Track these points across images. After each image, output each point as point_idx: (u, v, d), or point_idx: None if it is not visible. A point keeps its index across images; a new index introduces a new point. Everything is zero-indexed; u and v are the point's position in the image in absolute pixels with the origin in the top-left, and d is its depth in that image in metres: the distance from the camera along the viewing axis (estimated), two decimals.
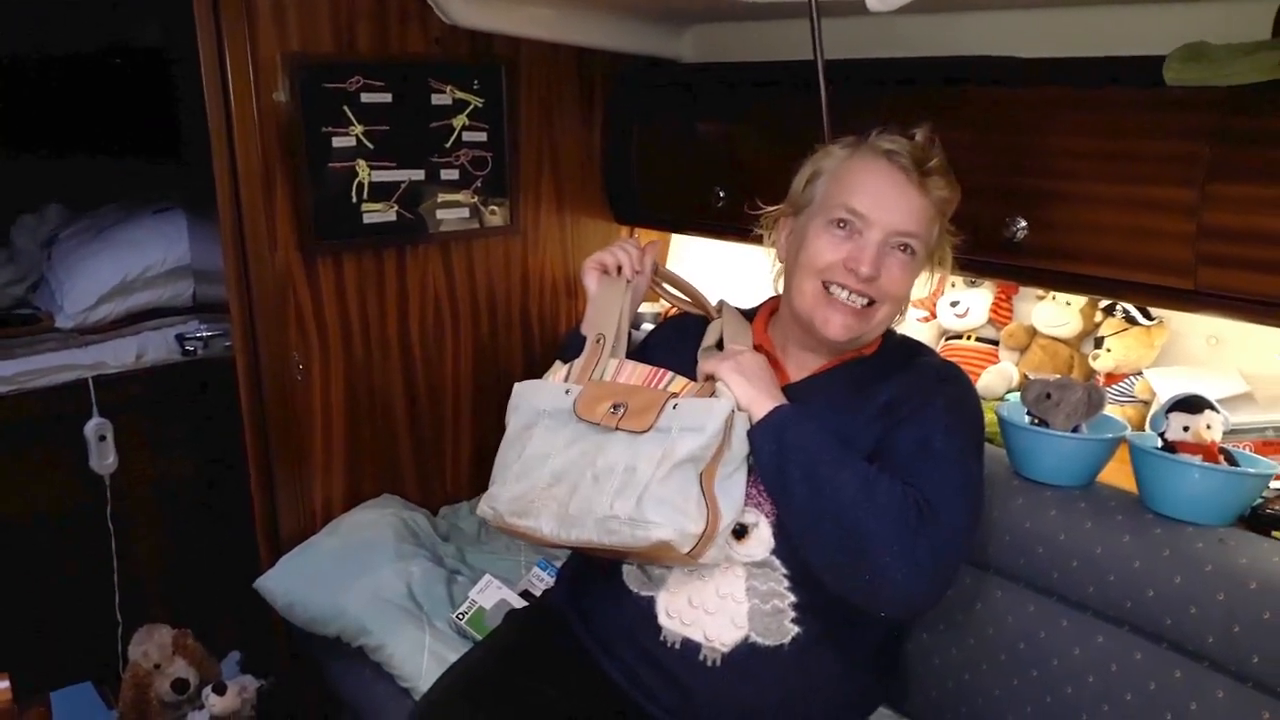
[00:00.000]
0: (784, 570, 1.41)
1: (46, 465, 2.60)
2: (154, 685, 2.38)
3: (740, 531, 1.41)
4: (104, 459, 2.65)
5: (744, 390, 1.40)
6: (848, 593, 1.37)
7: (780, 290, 1.56)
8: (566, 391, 1.48)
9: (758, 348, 1.55)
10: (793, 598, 1.41)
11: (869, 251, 1.40)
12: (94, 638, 2.69)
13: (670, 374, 1.47)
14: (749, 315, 1.63)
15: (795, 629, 1.41)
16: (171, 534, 2.82)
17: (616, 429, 1.40)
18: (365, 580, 2.00)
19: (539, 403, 1.51)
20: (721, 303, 1.64)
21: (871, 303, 1.43)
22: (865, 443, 1.41)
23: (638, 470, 1.35)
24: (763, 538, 1.41)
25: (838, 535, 1.32)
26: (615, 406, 1.42)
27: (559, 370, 1.55)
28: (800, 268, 1.46)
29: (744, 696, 1.41)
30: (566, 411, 1.46)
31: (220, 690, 2.24)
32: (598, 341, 1.53)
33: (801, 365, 1.53)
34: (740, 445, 1.38)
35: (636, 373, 1.48)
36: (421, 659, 1.85)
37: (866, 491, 1.32)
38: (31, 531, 2.59)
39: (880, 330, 1.49)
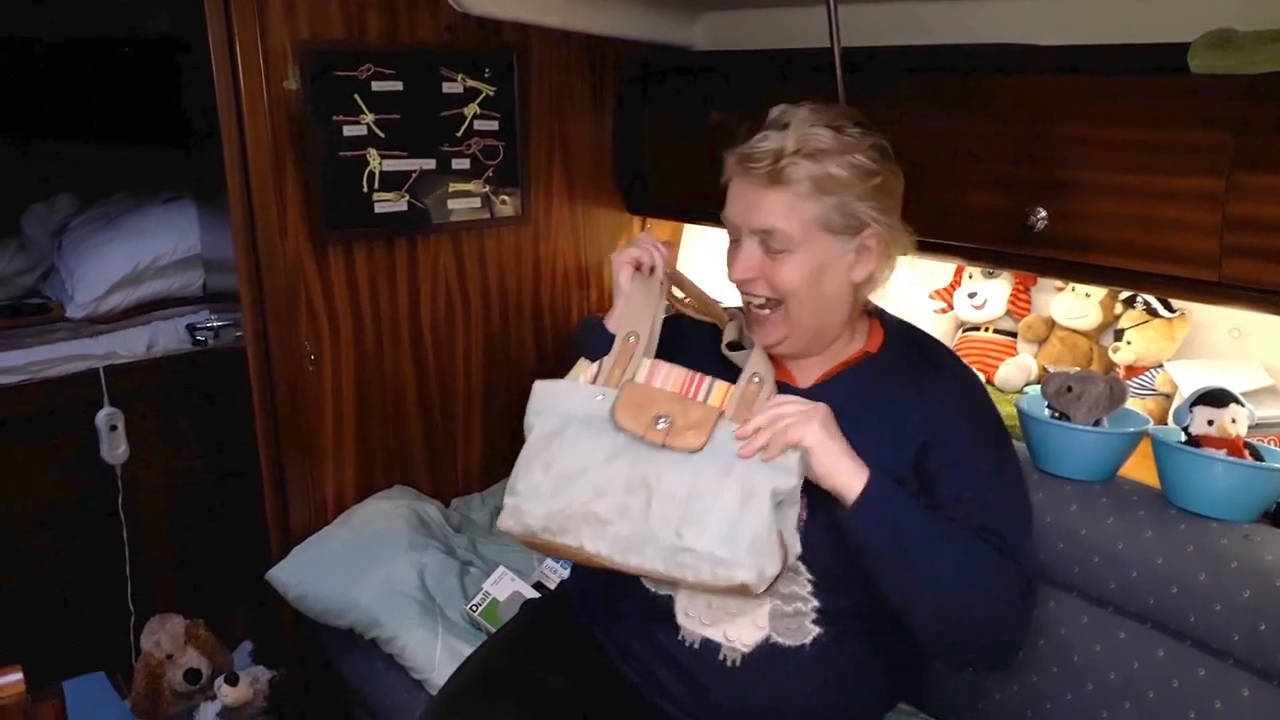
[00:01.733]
0: (809, 575, 1.39)
1: (58, 455, 2.61)
2: (166, 675, 2.38)
3: None
4: (115, 449, 2.65)
5: (831, 458, 1.30)
6: (947, 653, 1.43)
7: None
8: (600, 396, 1.37)
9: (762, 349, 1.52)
10: (815, 601, 1.39)
11: (737, 257, 1.41)
12: (106, 628, 2.70)
13: (708, 379, 1.38)
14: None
15: (816, 629, 1.39)
16: (183, 524, 2.82)
17: (664, 445, 1.31)
18: (377, 572, 2.00)
19: (568, 408, 1.38)
20: (734, 310, 1.53)
21: (776, 302, 1.41)
22: (888, 461, 1.36)
23: (705, 498, 1.28)
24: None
25: (937, 613, 1.33)
26: (659, 418, 1.32)
27: (586, 369, 1.43)
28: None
29: (763, 696, 1.40)
30: (602, 419, 1.35)
31: (232, 681, 2.25)
32: (630, 340, 1.42)
33: (806, 371, 1.49)
34: (801, 481, 1.31)
35: (672, 376, 1.38)
36: (434, 651, 1.84)
37: (967, 572, 1.31)
38: (43, 522, 2.60)
39: (810, 325, 1.43)
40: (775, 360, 1.48)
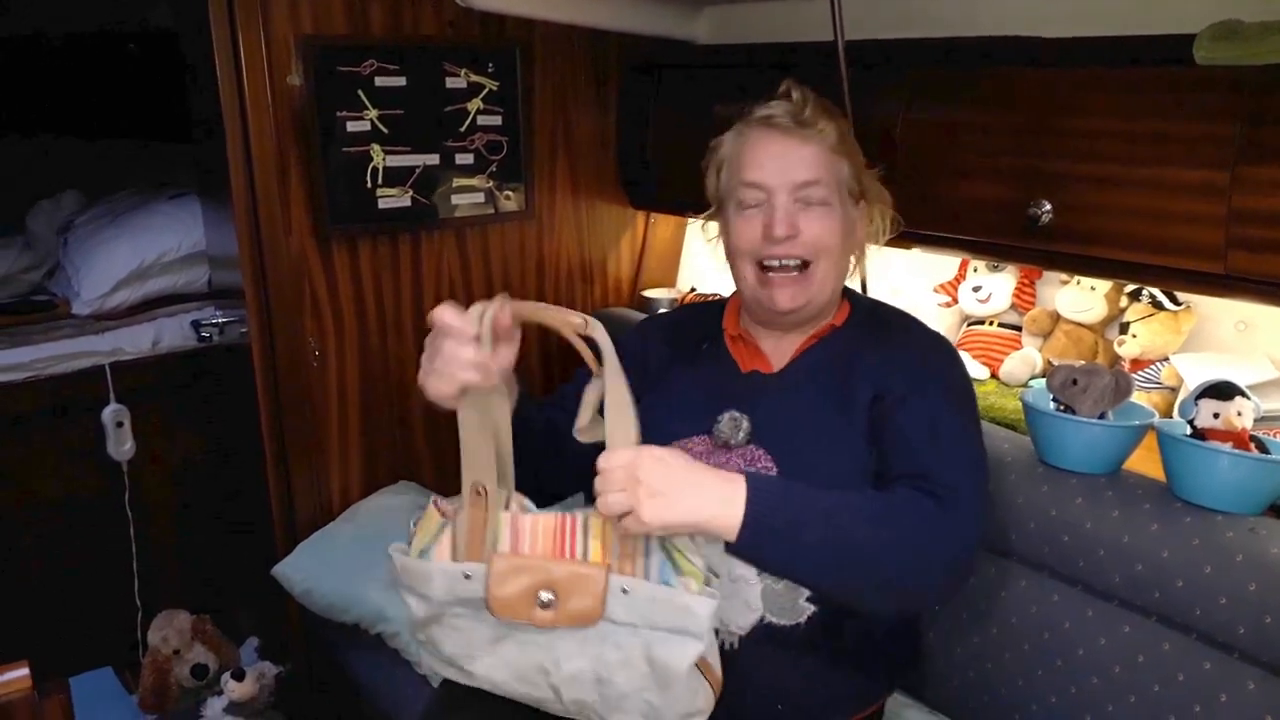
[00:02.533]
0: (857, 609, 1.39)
1: (64, 452, 2.62)
2: (173, 671, 2.39)
3: None
4: (121, 445, 2.66)
5: (685, 512, 1.17)
6: (882, 610, 1.38)
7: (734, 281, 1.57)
8: (466, 576, 1.19)
9: (734, 338, 1.54)
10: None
11: (778, 213, 1.41)
12: (114, 624, 2.71)
13: (579, 520, 1.19)
14: (719, 306, 1.61)
15: (810, 608, 1.39)
16: (189, 520, 2.83)
17: (554, 627, 1.17)
18: (382, 567, 1.98)
19: (436, 592, 1.22)
20: (592, 328, 1.17)
21: (806, 264, 1.42)
22: (861, 420, 1.39)
23: (616, 683, 1.18)
24: None
25: (868, 577, 1.29)
26: (539, 596, 1.16)
27: (442, 537, 1.23)
28: (735, 255, 1.48)
29: (763, 678, 1.40)
30: (478, 601, 1.19)
31: (239, 676, 2.25)
32: (478, 494, 1.21)
33: (778, 351, 1.51)
34: (712, 628, 1.20)
35: (540, 532, 1.19)
36: None
37: (877, 523, 1.28)
38: (50, 518, 2.61)
39: (828, 290, 1.45)
40: (749, 346, 1.52)
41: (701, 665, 1.22)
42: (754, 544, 1.23)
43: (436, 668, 1.34)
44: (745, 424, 1.43)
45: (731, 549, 1.24)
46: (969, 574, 1.36)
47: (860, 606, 1.36)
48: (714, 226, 1.60)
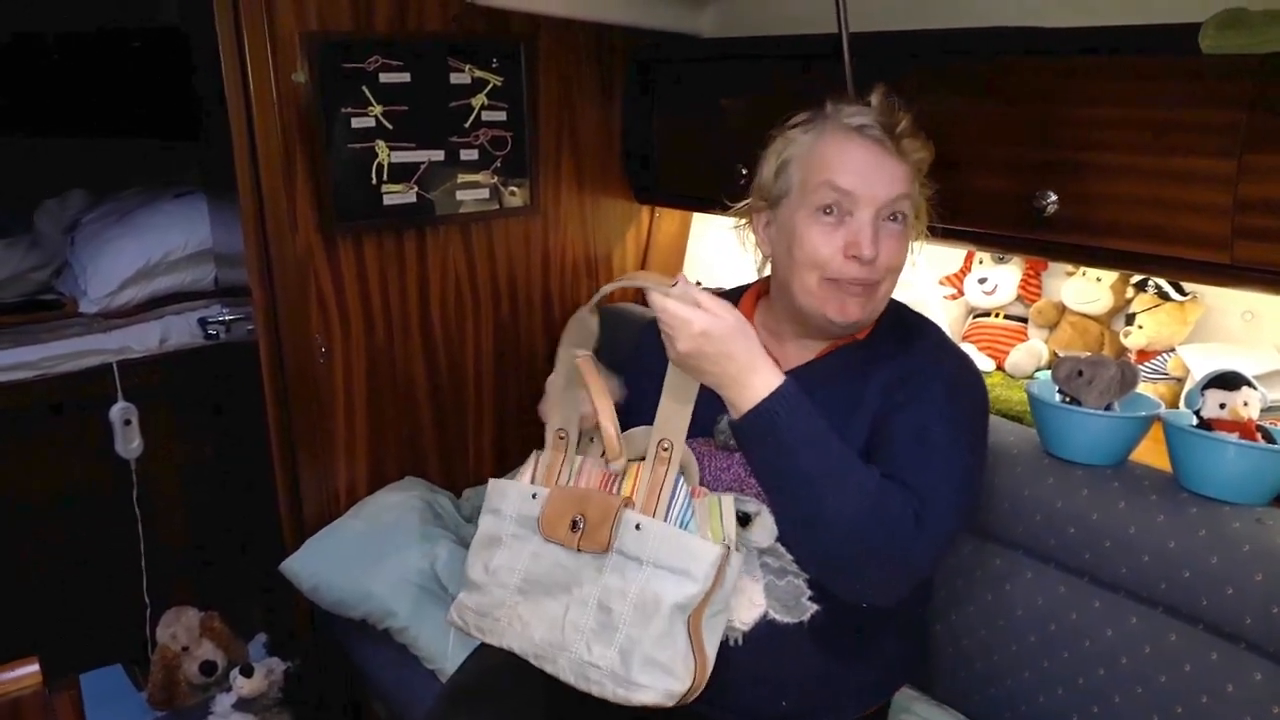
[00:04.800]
0: (791, 555, 1.40)
1: (73, 450, 2.63)
2: (182, 667, 2.40)
3: (744, 519, 1.39)
4: (129, 443, 2.67)
5: (699, 371, 1.30)
6: (822, 580, 1.38)
7: (763, 276, 1.56)
8: (534, 495, 1.42)
9: None
10: (807, 575, 1.40)
11: (865, 233, 1.36)
12: (123, 620, 2.72)
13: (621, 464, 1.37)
14: (735, 295, 1.60)
15: (814, 606, 1.39)
16: (197, 517, 2.84)
17: (579, 550, 1.33)
18: (390, 563, 2.00)
19: (508, 507, 1.45)
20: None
21: (875, 282, 1.41)
22: (862, 430, 1.39)
23: (612, 610, 1.30)
24: (766, 525, 1.39)
25: (835, 544, 1.30)
26: (575, 523, 1.34)
27: (528, 464, 1.47)
28: (797, 263, 1.42)
29: (767, 675, 1.40)
30: (532, 521, 1.40)
31: (247, 672, 2.26)
32: (560, 437, 1.45)
33: (797, 352, 1.51)
34: (731, 582, 1.31)
35: (595, 474, 1.40)
36: (447, 641, 1.85)
37: (872, 504, 1.28)
38: (59, 516, 2.62)
39: (884, 304, 1.46)
40: (767, 342, 1.49)
41: (692, 629, 1.27)
42: (749, 433, 1.30)
43: (468, 603, 1.45)
44: None
45: (732, 424, 1.32)
46: (915, 582, 1.39)
47: (799, 554, 1.38)
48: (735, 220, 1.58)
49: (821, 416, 1.32)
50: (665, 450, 1.33)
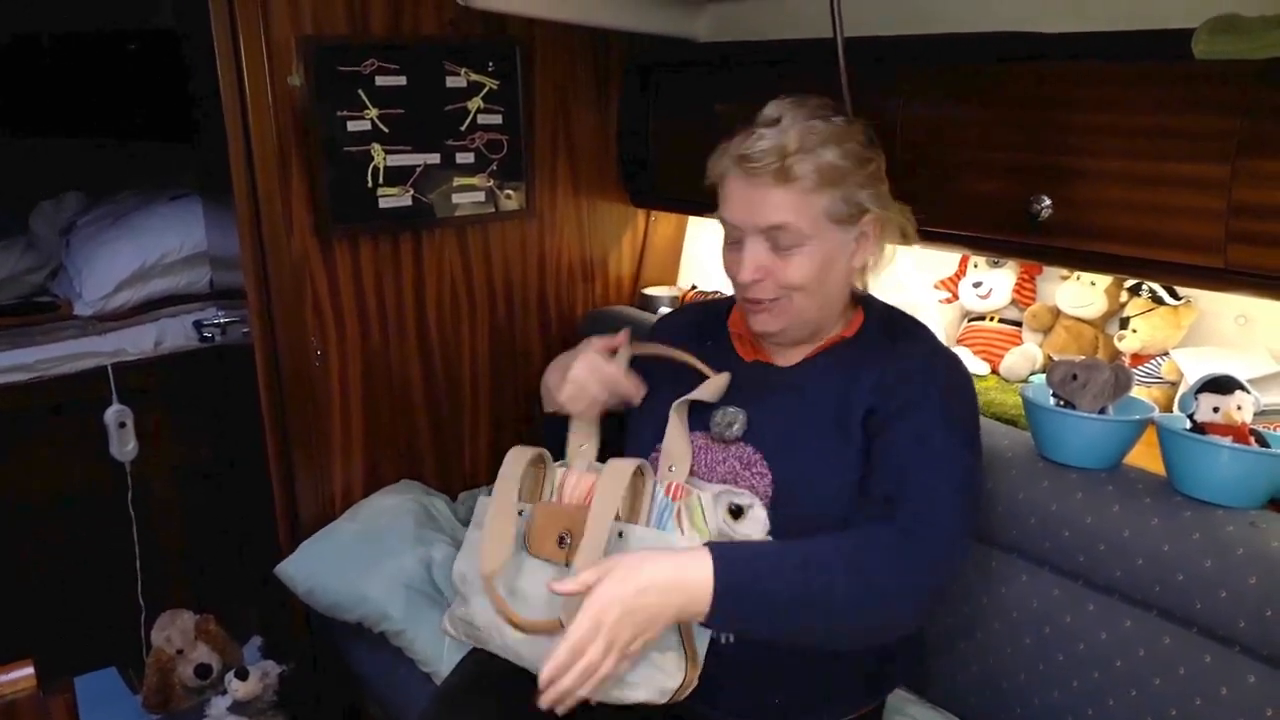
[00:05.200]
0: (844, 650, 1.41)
1: (67, 452, 2.62)
2: (177, 670, 2.40)
3: (737, 512, 1.39)
4: (124, 446, 2.67)
5: (657, 622, 1.22)
6: (886, 638, 1.40)
7: None
8: (520, 513, 1.41)
9: (738, 336, 1.55)
10: None
11: (745, 257, 1.40)
12: (117, 623, 2.72)
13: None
14: (726, 306, 1.61)
15: None
16: (192, 520, 2.84)
17: (567, 564, 1.33)
18: (386, 565, 2.00)
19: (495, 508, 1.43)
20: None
21: (778, 298, 1.41)
22: (854, 425, 1.39)
23: None
24: (758, 518, 1.39)
25: (845, 623, 1.29)
26: (561, 539, 1.35)
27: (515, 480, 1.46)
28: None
29: (759, 672, 1.41)
30: (519, 538, 1.40)
31: (242, 675, 2.26)
32: (540, 460, 1.46)
33: (786, 355, 1.51)
34: None
35: (581, 485, 1.40)
36: (442, 644, 1.85)
37: (847, 570, 1.26)
38: (54, 518, 2.62)
39: (811, 314, 1.44)
40: (754, 346, 1.52)
41: (682, 625, 1.27)
42: (726, 616, 1.24)
43: (458, 614, 1.46)
44: (741, 418, 1.44)
45: (710, 625, 1.26)
46: (944, 595, 1.39)
47: (845, 648, 1.39)
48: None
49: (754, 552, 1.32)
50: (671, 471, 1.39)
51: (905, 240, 1.49)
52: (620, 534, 1.32)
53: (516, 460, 1.43)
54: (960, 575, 1.61)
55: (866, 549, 1.29)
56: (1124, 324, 1.87)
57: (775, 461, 1.41)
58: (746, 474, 1.42)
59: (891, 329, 1.50)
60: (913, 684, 1.69)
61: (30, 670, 1.18)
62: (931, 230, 1.71)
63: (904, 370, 1.41)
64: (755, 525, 1.38)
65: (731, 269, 1.44)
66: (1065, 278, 1.98)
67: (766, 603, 1.24)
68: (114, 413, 2.64)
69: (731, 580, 1.22)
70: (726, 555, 1.24)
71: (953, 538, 1.33)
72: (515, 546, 1.39)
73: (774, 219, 1.37)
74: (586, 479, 1.41)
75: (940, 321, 2.13)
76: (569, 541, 1.34)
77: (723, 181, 1.43)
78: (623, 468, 1.33)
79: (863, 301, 1.53)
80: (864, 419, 1.39)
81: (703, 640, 1.31)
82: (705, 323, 1.62)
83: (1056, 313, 2.00)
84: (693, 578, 1.21)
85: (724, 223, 1.44)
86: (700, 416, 1.47)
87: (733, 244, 1.44)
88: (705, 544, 1.27)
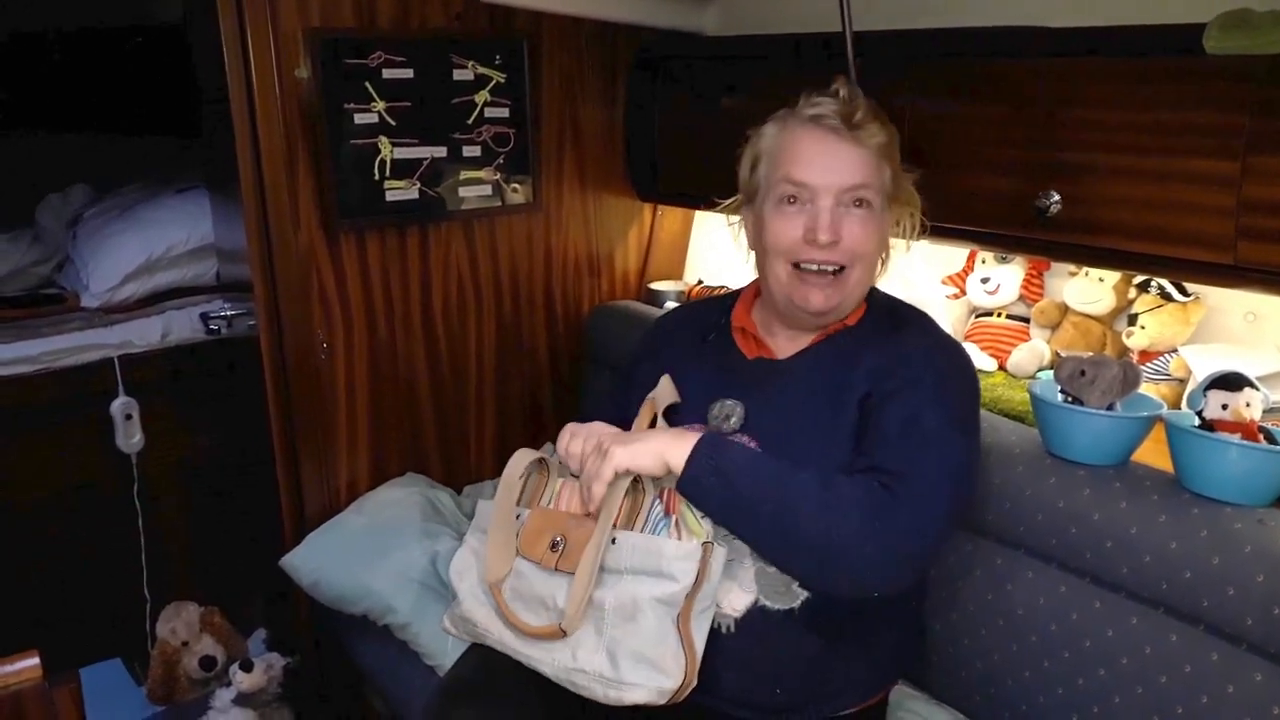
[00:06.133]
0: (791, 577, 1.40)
1: (74, 444, 2.63)
2: (182, 662, 2.40)
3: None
4: (130, 438, 2.67)
5: (647, 449, 1.35)
6: (823, 589, 1.38)
7: (758, 275, 1.58)
8: (518, 516, 1.44)
9: (739, 330, 1.56)
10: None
11: (823, 218, 1.40)
12: (123, 615, 2.73)
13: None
14: (733, 298, 1.62)
15: (804, 593, 1.40)
16: (198, 512, 2.84)
17: (556, 569, 1.36)
18: (391, 559, 2.00)
19: (496, 516, 1.47)
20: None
21: (842, 269, 1.43)
22: (850, 411, 1.40)
23: (596, 619, 1.34)
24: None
25: (807, 546, 1.31)
26: (554, 543, 1.38)
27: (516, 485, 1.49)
28: (768, 253, 1.47)
29: (760, 663, 1.41)
30: (514, 541, 1.43)
31: (247, 667, 2.26)
32: (543, 464, 1.49)
33: (788, 343, 1.53)
34: (716, 575, 1.34)
35: (577, 495, 1.41)
36: (447, 637, 1.85)
37: (825, 498, 1.30)
38: (60, 510, 2.62)
39: (859, 293, 1.48)
40: (755, 336, 1.54)
41: (681, 626, 1.30)
42: (696, 477, 1.31)
43: (458, 612, 1.48)
44: (739, 411, 1.46)
45: (679, 484, 1.33)
46: (919, 566, 1.40)
47: (801, 576, 1.38)
48: (726, 216, 1.60)
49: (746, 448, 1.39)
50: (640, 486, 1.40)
51: (910, 234, 1.52)
52: (614, 540, 1.34)
53: (518, 464, 1.45)
54: (965, 570, 1.62)
55: (850, 487, 1.32)
56: (1132, 320, 1.86)
57: (769, 448, 1.43)
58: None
59: (895, 318, 1.52)
60: (917, 679, 1.69)
61: (36, 661, 1.18)
62: (939, 225, 1.70)
63: (903, 356, 1.43)
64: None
65: (790, 234, 1.43)
66: (1073, 274, 1.98)
67: (730, 484, 1.32)
68: (120, 405, 2.64)
69: (712, 440, 1.34)
70: (711, 439, 1.35)
71: (932, 511, 1.33)
72: (513, 551, 1.42)
73: (856, 178, 1.40)
74: (578, 495, 1.43)
75: (948, 317, 2.13)
76: (562, 547, 1.36)
77: (789, 144, 1.43)
78: (621, 483, 1.35)
79: (867, 294, 1.54)
80: (861, 402, 1.41)
81: (700, 640, 1.32)
82: (706, 319, 1.63)
83: (1064, 309, 2.00)
84: (681, 440, 1.35)
85: (790, 184, 1.42)
86: (701, 408, 1.50)
87: (794, 207, 1.43)
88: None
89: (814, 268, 1.42)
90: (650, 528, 1.37)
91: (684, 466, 1.33)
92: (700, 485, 1.33)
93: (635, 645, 1.30)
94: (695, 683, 1.30)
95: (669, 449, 1.34)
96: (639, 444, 1.35)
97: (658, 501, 1.39)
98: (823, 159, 1.40)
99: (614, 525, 1.35)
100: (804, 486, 1.31)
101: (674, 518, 1.37)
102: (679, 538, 1.34)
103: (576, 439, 1.41)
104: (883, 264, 1.52)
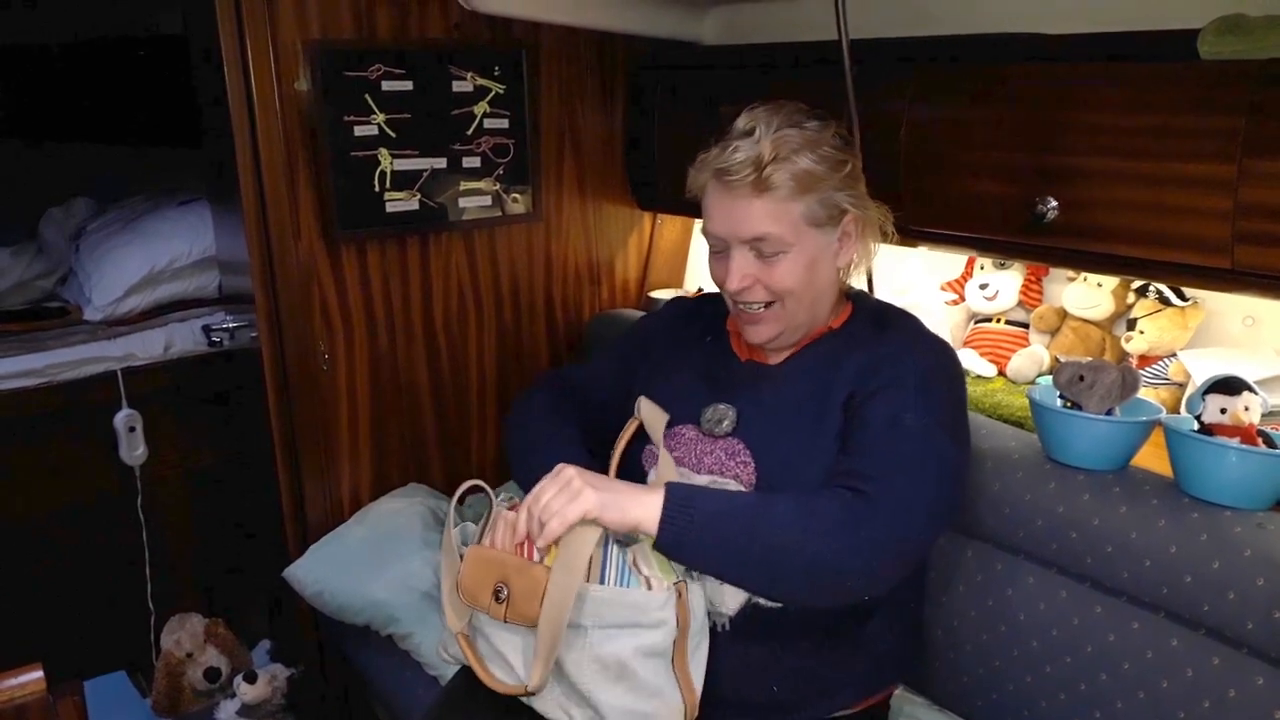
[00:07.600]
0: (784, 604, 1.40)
1: (77, 456, 2.64)
2: (187, 674, 2.41)
3: None
4: (134, 450, 2.68)
5: (616, 503, 1.28)
6: (811, 605, 1.38)
7: None
8: (461, 556, 1.35)
9: (736, 334, 1.57)
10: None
11: (733, 266, 1.44)
12: (127, 627, 2.73)
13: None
14: (722, 311, 1.62)
15: None
16: (201, 524, 2.85)
17: (506, 621, 1.28)
18: (393, 569, 2.01)
19: (447, 565, 1.38)
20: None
21: (771, 302, 1.45)
22: (835, 412, 1.41)
23: (573, 678, 1.28)
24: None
25: (793, 574, 1.30)
26: (498, 590, 1.28)
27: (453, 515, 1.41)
28: None
29: (756, 661, 1.41)
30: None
31: (251, 679, 2.26)
32: (492, 493, 1.40)
33: (778, 353, 1.54)
34: (700, 610, 1.31)
35: (515, 530, 1.32)
36: None
37: (805, 524, 1.28)
38: (64, 522, 2.63)
39: (802, 315, 1.47)
40: (749, 344, 1.54)
41: (678, 670, 1.28)
42: (675, 536, 1.28)
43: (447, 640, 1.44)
44: (731, 414, 1.47)
45: (657, 544, 1.30)
46: (906, 565, 1.39)
47: (788, 600, 1.38)
48: None
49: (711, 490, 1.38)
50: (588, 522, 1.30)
51: (884, 238, 1.52)
52: (580, 595, 1.27)
53: (454, 500, 1.40)
54: (966, 575, 1.62)
55: (823, 501, 1.31)
56: (1131, 325, 1.86)
57: (759, 451, 1.44)
58: (732, 464, 1.45)
59: (880, 320, 1.53)
60: (918, 684, 1.69)
61: (40, 673, 1.18)
62: (937, 232, 1.71)
63: (886, 354, 1.43)
64: None
65: (719, 277, 1.48)
66: (1072, 279, 1.98)
67: (708, 530, 1.28)
68: (123, 417, 2.65)
69: (681, 492, 1.30)
70: (678, 490, 1.31)
71: (914, 512, 1.33)
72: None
73: (756, 230, 1.40)
74: (511, 516, 1.34)
75: (947, 323, 2.13)
76: (507, 596, 1.27)
77: (703, 194, 1.46)
78: (588, 533, 1.27)
79: (853, 298, 1.56)
80: (844, 402, 1.42)
81: (698, 676, 1.31)
82: (706, 316, 1.65)
83: (1063, 314, 2.00)
84: (647, 497, 1.30)
85: (707, 235, 1.47)
86: (694, 409, 1.51)
87: (718, 254, 1.47)
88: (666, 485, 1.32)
89: (745, 306, 1.46)
90: (617, 577, 1.30)
91: (659, 527, 1.28)
92: (682, 544, 1.29)
93: (628, 704, 1.28)
94: (697, 710, 1.31)
95: (632, 507, 1.28)
96: (610, 495, 1.28)
97: (614, 545, 1.33)
98: (724, 213, 1.42)
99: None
100: (781, 518, 1.29)
101: (638, 550, 1.32)
102: (647, 585, 1.29)
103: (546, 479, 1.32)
104: (848, 270, 1.51)
